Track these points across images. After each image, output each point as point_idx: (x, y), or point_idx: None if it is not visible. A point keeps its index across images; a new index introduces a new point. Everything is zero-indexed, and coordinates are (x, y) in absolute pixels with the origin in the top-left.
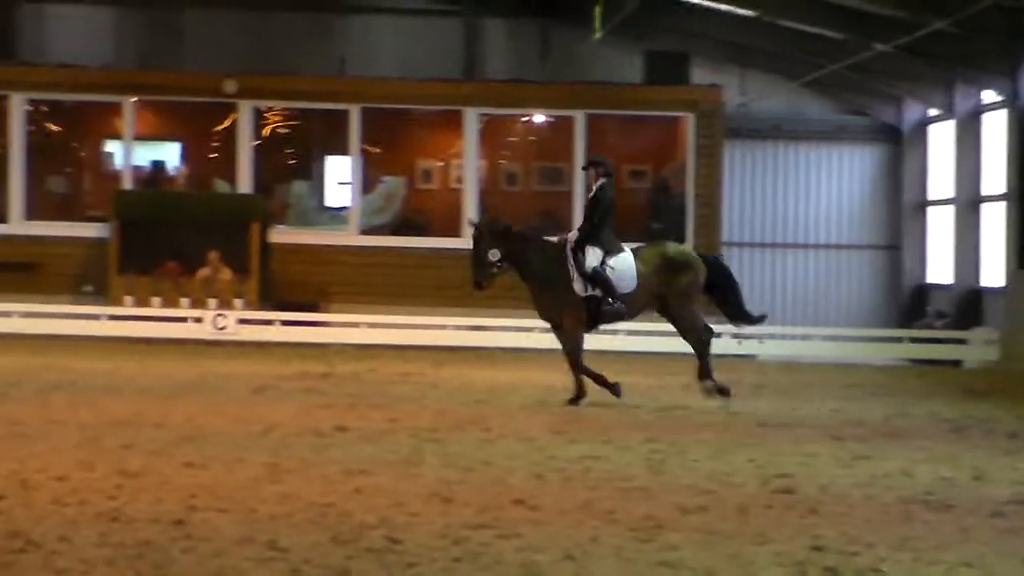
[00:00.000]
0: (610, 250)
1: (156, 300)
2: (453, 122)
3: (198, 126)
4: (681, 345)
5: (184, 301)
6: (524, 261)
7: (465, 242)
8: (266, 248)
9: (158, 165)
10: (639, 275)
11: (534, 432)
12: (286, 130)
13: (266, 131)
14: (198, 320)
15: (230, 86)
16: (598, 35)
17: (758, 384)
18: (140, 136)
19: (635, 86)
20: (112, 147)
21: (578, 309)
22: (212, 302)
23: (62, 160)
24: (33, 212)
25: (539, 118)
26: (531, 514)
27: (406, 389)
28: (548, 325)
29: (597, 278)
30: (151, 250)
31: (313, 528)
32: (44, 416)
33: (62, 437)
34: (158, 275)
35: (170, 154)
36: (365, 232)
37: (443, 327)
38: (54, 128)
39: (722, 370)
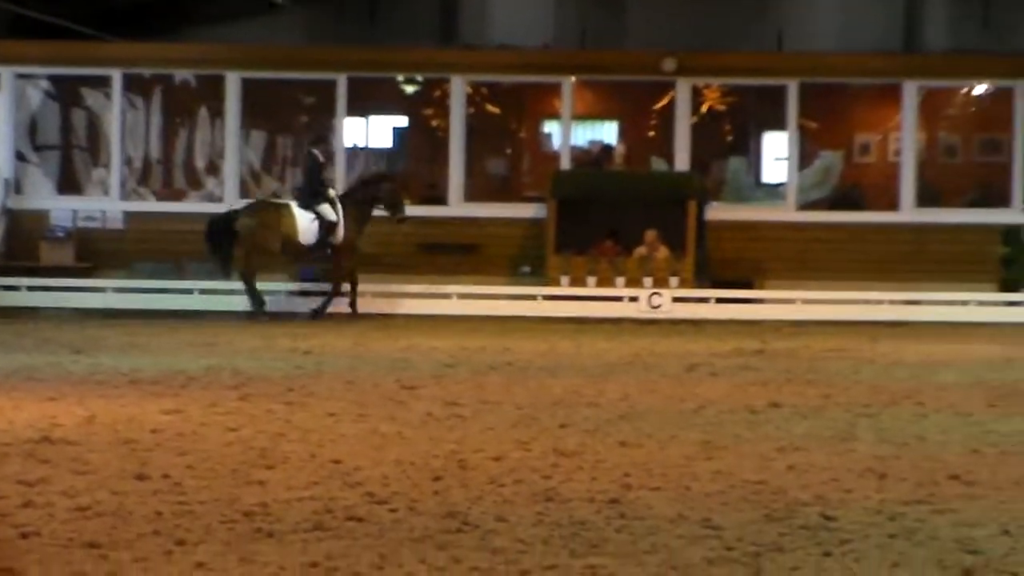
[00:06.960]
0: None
1: (591, 280)
2: (891, 95)
3: (636, 105)
4: None
5: (619, 280)
6: None
7: (901, 215)
8: (702, 226)
9: (607, 148)
10: None
11: (969, 406)
12: (723, 107)
13: (703, 108)
14: (633, 299)
15: (669, 64)
16: None
17: None
18: (578, 116)
19: None
20: (550, 127)
21: None
22: (647, 281)
23: (500, 142)
24: (472, 194)
25: (979, 89)
26: (967, 489)
27: (840, 365)
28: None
29: None
30: (588, 230)
31: (747, 505)
32: (480, 396)
33: (498, 417)
34: (594, 254)
35: (608, 133)
36: (802, 208)
37: (879, 302)
38: (493, 110)
39: None
